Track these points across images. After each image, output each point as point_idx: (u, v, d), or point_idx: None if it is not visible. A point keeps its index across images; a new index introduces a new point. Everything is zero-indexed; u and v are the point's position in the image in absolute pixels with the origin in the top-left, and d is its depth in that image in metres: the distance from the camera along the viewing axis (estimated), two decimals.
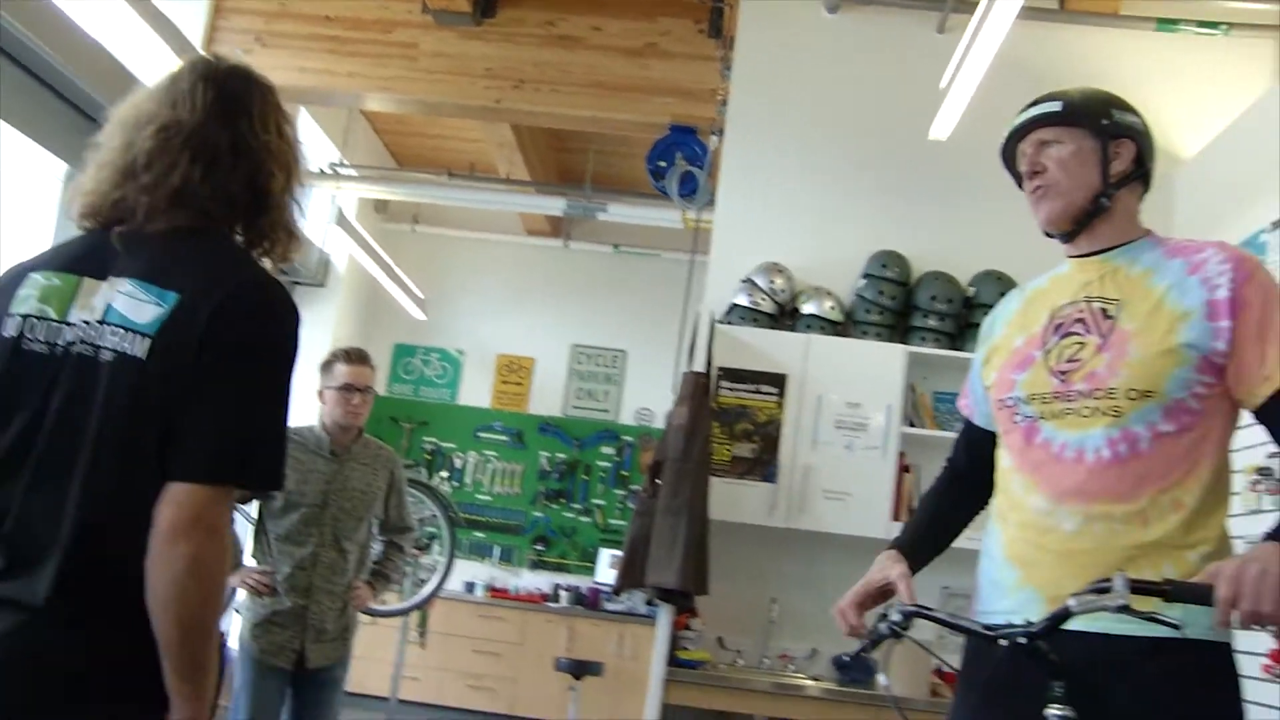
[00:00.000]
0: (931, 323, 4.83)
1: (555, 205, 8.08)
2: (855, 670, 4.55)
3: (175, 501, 1.47)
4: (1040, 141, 2.01)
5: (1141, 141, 2.01)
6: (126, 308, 1.56)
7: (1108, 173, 1.97)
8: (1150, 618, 1.64)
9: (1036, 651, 1.73)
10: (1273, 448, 3.02)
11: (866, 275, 4.93)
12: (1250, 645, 3.59)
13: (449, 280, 9.72)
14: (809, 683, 4.53)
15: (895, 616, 1.87)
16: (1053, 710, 1.72)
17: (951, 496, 2.22)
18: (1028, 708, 1.74)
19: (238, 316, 1.55)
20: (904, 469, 4.72)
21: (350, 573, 3.78)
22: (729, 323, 4.91)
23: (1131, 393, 1.85)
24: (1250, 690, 3.61)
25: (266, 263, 1.77)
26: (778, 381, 4.76)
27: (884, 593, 2.03)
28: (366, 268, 8.36)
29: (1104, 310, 1.94)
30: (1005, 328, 2.12)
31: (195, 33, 6.20)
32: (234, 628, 3.74)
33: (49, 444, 1.54)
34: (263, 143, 1.71)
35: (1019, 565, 1.93)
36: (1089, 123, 1.98)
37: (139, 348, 1.53)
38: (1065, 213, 2.00)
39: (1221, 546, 1.86)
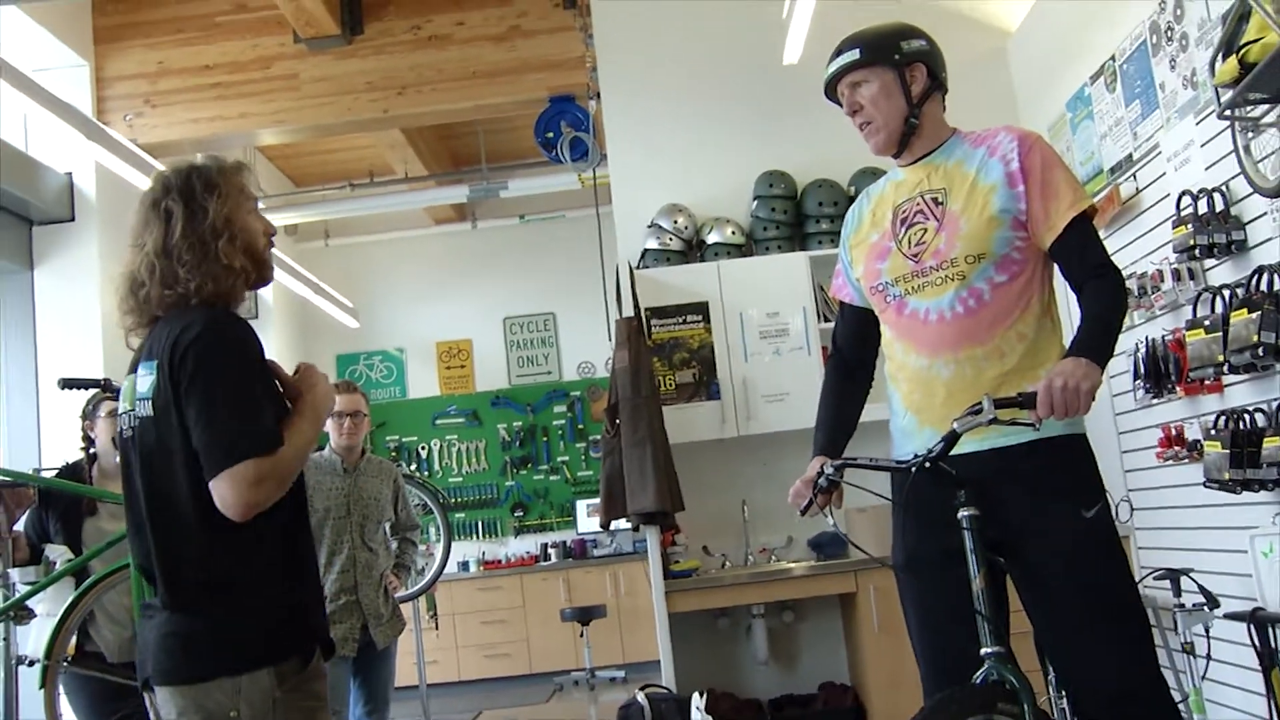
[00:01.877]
0: (824, 226, 5.31)
1: (459, 194, 8.42)
2: (830, 547, 5.10)
3: (215, 496, 1.97)
4: (852, 84, 2.51)
5: (930, 61, 2.51)
6: (141, 384, 2.11)
7: (910, 96, 2.46)
8: (1013, 422, 2.16)
9: (940, 470, 2.24)
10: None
11: (757, 197, 5.40)
12: (1141, 444, 4.20)
13: (373, 284, 10.04)
14: (793, 565, 5.06)
15: (830, 470, 2.38)
16: (963, 511, 2.24)
17: (843, 393, 2.68)
18: (944, 514, 2.25)
19: (180, 358, 2.02)
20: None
21: (382, 564, 4.35)
22: (645, 266, 5.35)
23: (969, 258, 2.36)
24: (1145, 478, 4.23)
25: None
26: (701, 310, 5.24)
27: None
28: (294, 290, 8.65)
29: (935, 199, 2.45)
30: (859, 228, 2.63)
31: (85, 106, 6.43)
32: None
33: (133, 504, 2.14)
34: (200, 227, 2.18)
35: (915, 412, 2.45)
36: (884, 59, 2.47)
37: (148, 409, 2.08)
38: (888, 141, 2.51)
39: None
